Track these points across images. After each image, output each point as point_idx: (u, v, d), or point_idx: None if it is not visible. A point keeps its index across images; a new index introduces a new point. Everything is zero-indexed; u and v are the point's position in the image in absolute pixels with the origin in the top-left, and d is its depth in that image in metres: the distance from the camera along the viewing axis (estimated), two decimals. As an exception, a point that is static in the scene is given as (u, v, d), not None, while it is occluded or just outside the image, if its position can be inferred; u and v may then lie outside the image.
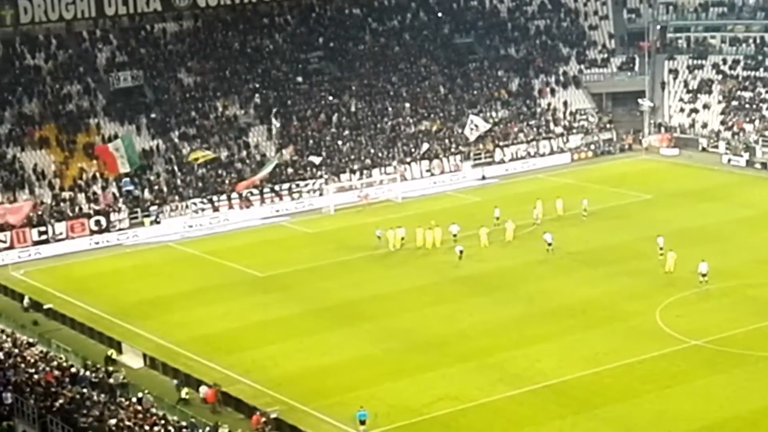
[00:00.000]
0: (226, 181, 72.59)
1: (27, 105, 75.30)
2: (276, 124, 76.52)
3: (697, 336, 46.68)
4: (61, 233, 66.09)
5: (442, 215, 65.87)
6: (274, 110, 77.72)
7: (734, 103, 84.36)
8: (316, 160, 75.10)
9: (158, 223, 68.59)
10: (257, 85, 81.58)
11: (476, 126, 78.61)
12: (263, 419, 40.55)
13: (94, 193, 69.71)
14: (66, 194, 69.22)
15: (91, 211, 67.99)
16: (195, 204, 70.21)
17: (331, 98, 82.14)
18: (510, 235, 61.78)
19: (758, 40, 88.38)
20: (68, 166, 71.60)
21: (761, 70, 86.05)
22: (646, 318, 49.23)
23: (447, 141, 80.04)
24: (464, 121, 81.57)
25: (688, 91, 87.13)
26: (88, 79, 78.35)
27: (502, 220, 63.33)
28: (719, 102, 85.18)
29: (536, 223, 64.29)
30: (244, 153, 75.92)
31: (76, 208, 68.26)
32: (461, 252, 59.02)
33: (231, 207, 71.03)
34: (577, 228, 64.00)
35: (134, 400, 39.83)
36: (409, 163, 77.25)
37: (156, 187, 71.37)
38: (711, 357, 44.85)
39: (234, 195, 71.22)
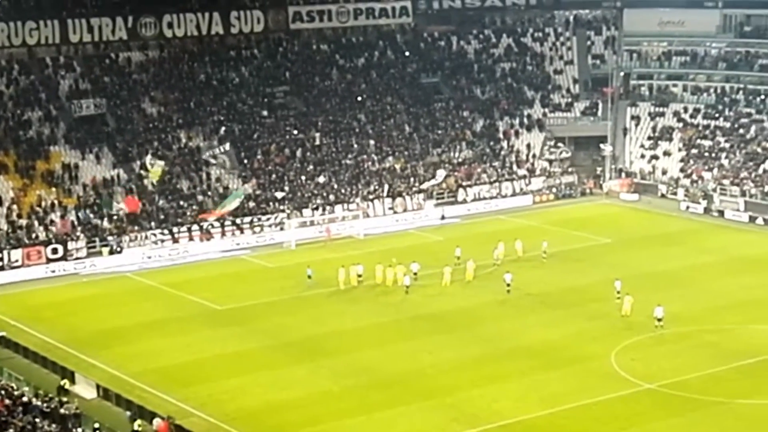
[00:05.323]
0: (187, 213, 72.22)
1: (-13, 130, 74.79)
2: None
3: (651, 380, 46.83)
4: (16, 260, 65.33)
5: (403, 253, 65.87)
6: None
7: (694, 151, 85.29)
8: (279, 195, 75.08)
9: (118, 252, 68.02)
10: (222, 118, 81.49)
11: (437, 176, 79.22)
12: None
13: (52, 221, 69.05)
14: (23, 221, 68.51)
15: (49, 239, 67.37)
16: (155, 235, 69.74)
17: (296, 133, 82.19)
18: (470, 275, 61.90)
19: (719, 90, 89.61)
20: (26, 193, 70.90)
21: (721, 119, 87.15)
22: (602, 361, 49.30)
23: (411, 179, 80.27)
24: (429, 160, 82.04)
25: (649, 138, 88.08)
26: (50, 105, 77.87)
27: (463, 260, 63.45)
28: (679, 149, 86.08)
29: (496, 263, 64.45)
30: (206, 185, 75.66)
31: (33, 236, 67.55)
32: (408, 286, 59.34)
33: (191, 239, 70.61)
34: (536, 270, 64.21)
35: None
36: (372, 200, 77.32)
37: (115, 217, 70.80)
38: (665, 401, 44.97)
39: (195, 227, 70.90)
